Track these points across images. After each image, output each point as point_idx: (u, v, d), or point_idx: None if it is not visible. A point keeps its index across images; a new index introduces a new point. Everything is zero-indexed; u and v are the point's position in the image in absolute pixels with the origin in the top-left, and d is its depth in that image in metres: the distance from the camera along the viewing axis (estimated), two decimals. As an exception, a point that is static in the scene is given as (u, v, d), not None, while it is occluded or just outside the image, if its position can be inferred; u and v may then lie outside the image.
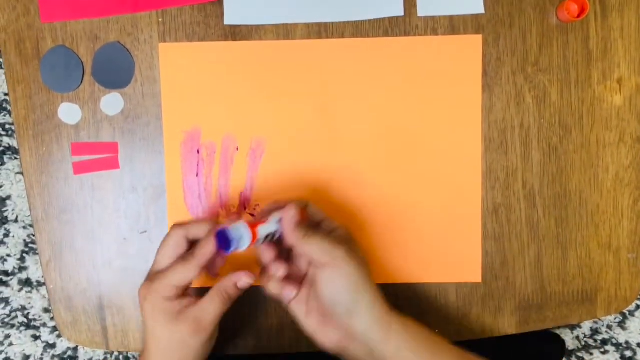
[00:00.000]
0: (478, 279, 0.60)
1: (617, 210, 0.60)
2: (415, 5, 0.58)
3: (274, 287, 0.50)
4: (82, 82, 0.59)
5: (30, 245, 0.93)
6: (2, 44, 0.58)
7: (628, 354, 0.93)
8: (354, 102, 0.59)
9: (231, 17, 0.58)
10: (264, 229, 0.49)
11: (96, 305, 0.60)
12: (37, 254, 0.78)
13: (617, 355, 0.93)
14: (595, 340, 0.93)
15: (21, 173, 0.76)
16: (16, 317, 0.94)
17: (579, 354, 0.93)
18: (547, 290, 0.60)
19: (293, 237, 0.48)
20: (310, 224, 0.51)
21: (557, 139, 0.59)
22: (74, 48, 0.58)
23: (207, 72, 0.58)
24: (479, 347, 0.62)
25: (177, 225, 0.50)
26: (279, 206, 0.51)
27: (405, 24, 0.58)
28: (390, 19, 0.58)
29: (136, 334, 0.60)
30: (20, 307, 0.94)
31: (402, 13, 0.58)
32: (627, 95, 0.59)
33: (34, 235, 0.90)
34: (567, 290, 0.60)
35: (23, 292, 0.93)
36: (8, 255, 0.93)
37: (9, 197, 0.93)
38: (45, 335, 0.94)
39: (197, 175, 0.59)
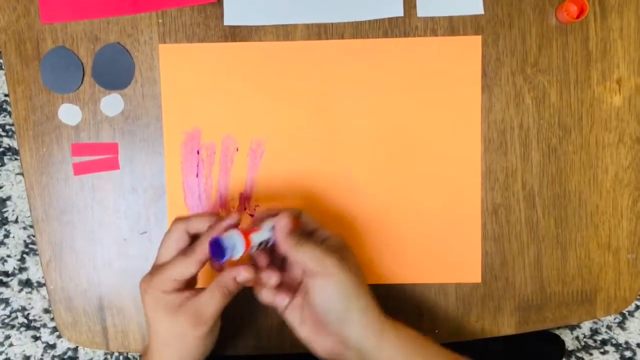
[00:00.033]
0: (478, 279, 0.60)
1: (616, 211, 0.60)
2: (414, 6, 0.58)
3: (266, 295, 0.50)
4: (82, 83, 0.59)
5: (31, 246, 0.93)
6: (3, 44, 0.58)
7: (628, 354, 0.93)
8: (353, 103, 0.59)
9: (231, 18, 0.58)
10: (257, 237, 0.48)
11: (96, 306, 0.60)
12: (37, 254, 0.78)
13: (617, 356, 0.93)
14: (595, 341, 0.93)
15: (21, 174, 0.76)
16: (16, 317, 0.94)
17: (579, 354, 0.93)
18: (546, 291, 0.60)
19: (285, 246, 0.48)
20: (304, 232, 0.51)
21: (556, 139, 0.59)
22: (74, 49, 0.58)
23: (207, 73, 0.59)
24: (478, 348, 0.62)
25: (179, 219, 0.50)
26: (272, 213, 0.51)
27: (404, 25, 0.59)
28: (390, 19, 0.59)
29: (136, 335, 0.60)
30: (20, 307, 0.94)
31: (401, 14, 0.58)
32: (627, 96, 0.59)
33: (34, 236, 0.90)
34: (566, 290, 0.60)
35: (23, 292, 0.94)
36: (8, 256, 0.93)
37: (9, 198, 0.93)
38: (46, 335, 0.94)
39: (197, 175, 0.59)
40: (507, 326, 0.60)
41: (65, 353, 0.95)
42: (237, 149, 0.59)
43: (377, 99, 0.59)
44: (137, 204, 0.59)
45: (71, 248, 0.59)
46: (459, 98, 0.59)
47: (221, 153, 0.59)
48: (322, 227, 0.52)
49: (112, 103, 0.59)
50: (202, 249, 0.48)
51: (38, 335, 0.94)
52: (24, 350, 0.94)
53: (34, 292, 0.93)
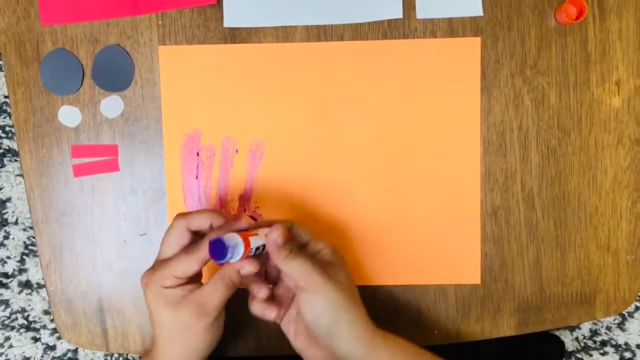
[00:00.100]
0: (477, 280, 0.60)
1: (615, 212, 0.60)
2: (414, 8, 0.58)
3: (256, 308, 0.50)
4: (82, 84, 0.59)
5: (30, 248, 0.93)
6: (2, 46, 0.58)
7: (627, 355, 0.93)
8: (353, 104, 0.59)
9: (230, 19, 0.58)
10: (255, 241, 0.48)
11: (96, 308, 0.60)
12: (37, 256, 0.78)
13: (617, 357, 0.93)
14: (595, 342, 0.93)
15: (21, 175, 0.76)
16: (16, 319, 0.94)
17: (579, 355, 0.93)
18: (546, 292, 0.60)
19: (276, 258, 0.48)
20: (296, 244, 0.51)
21: (555, 141, 0.59)
22: (73, 51, 0.59)
23: (206, 74, 0.59)
24: (478, 349, 0.62)
25: (180, 216, 0.50)
26: (265, 224, 0.51)
27: (404, 27, 0.59)
28: (389, 21, 0.59)
29: (136, 336, 0.60)
30: (20, 309, 0.94)
31: (401, 15, 0.58)
32: (626, 97, 0.59)
33: (34, 238, 0.90)
34: (566, 291, 0.60)
35: (23, 294, 0.93)
36: (8, 258, 0.93)
37: (9, 200, 0.93)
38: (45, 337, 0.94)
39: (196, 177, 0.59)
40: (506, 327, 0.60)
41: (65, 354, 0.95)
42: (237, 151, 0.59)
43: (376, 101, 0.59)
44: (137, 205, 0.59)
45: (71, 250, 0.59)
46: (459, 100, 0.59)
47: (221, 155, 0.59)
48: (314, 239, 0.52)
49: (112, 105, 0.59)
50: (206, 248, 0.48)
51: (38, 336, 0.94)
52: (23, 352, 0.94)
53: (34, 293, 0.93)
